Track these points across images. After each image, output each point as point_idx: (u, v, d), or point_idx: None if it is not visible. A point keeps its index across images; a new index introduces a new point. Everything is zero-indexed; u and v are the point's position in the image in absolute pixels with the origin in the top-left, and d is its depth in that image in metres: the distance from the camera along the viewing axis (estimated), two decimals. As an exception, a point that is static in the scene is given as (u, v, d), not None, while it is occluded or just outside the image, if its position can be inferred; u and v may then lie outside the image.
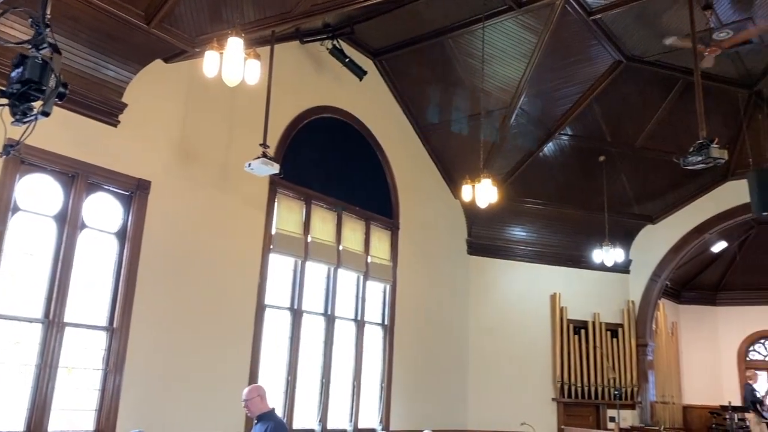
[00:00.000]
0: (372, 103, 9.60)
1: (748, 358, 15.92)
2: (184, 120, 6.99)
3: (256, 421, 4.96)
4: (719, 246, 14.53)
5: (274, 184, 7.80)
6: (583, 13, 8.19)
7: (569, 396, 11.54)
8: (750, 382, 12.95)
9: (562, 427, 11.24)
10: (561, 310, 11.94)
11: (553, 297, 12.01)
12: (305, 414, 7.97)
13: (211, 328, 6.91)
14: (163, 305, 6.49)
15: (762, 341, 15.96)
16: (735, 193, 11.59)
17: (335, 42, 8.50)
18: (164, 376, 6.41)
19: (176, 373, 6.52)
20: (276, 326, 7.75)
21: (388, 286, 9.51)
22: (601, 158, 11.05)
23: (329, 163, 8.72)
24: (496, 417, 10.86)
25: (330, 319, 8.40)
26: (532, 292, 11.96)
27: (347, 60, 8.60)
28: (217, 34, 5.82)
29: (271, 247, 7.68)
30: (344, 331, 8.71)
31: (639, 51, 9.20)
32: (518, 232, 12.04)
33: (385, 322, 9.39)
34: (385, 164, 9.73)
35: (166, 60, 6.78)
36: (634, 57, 9.30)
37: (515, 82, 9.17)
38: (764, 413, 12.21)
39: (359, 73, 8.80)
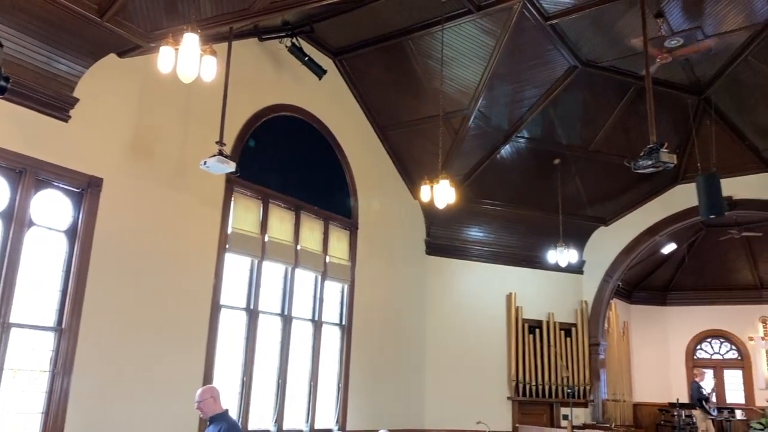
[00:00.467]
0: (331, 102, 9.57)
1: (695, 357, 16.46)
2: (138, 116, 6.85)
3: (209, 423, 4.91)
4: (669, 248, 14.98)
5: (231, 183, 7.70)
6: (540, 18, 8.32)
7: (524, 394, 11.72)
8: (697, 380, 13.38)
9: (517, 425, 11.41)
10: (516, 309, 12.12)
11: (509, 297, 12.19)
12: (261, 415, 7.89)
13: (165, 328, 6.79)
14: (114, 305, 6.34)
15: (708, 340, 16.52)
16: (684, 196, 11.97)
17: (294, 40, 8.45)
18: (115, 378, 6.26)
19: (127, 374, 6.38)
20: (231, 327, 7.66)
21: (346, 286, 9.49)
22: (556, 161, 11.26)
23: (287, 162, 8.66)
24: (453, 416, 10.96)
25: (287, 319, 8.35)
26: (488, 292, 12.12)
27: (306, 58, 8.55)
28: (172, 29, 5.71)
29: (227, 246, 7.58)
30: (301, 332, 8.66)
31: (593, 56, 9.40)
32: (475, 233, 12.17)
33: (343, 322, 9.38)
34: (345, 164, 9.71)
35: (120, 55, 6.63)
36: (589, 62, 9.50)
37: (474, 84, 9.26)
38: (710, 410, 12.62)
39: (319, 71, 8.76)
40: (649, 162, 6.18)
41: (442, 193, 7.66)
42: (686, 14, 8.25)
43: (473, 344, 11.70)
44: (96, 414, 6.05)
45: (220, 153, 6.08)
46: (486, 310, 12.01)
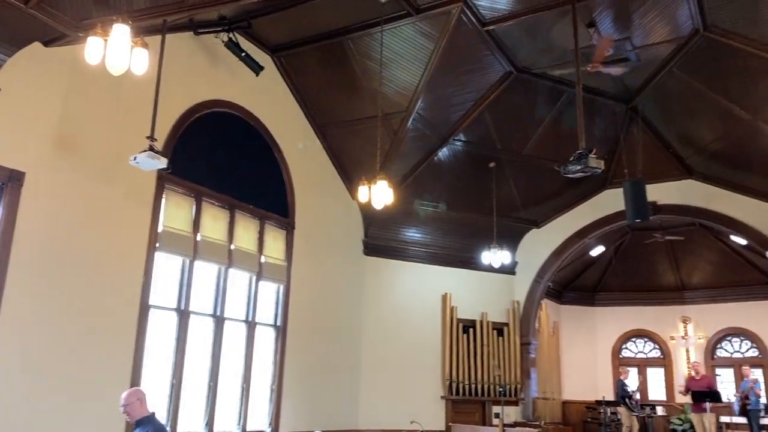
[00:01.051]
0: (269, 99, 9.44)
1: (621, 356, 17.10)
2: (65, 108, 6.56)
3: (135, 426, 4.75)
4: (597, 250, 15.53)
5: (162, 180, 7.47)
6: (477, 23, 8.46)
7: (457, 393, 11.90)
8: (622, 378, 13.89)
9: (450, 424, 11.57)
10: (451, 309, 12.29)
11: (444, 297, 12.35)
12: (191, 418, 7.70)
13: (90, 330, 6.53)
14: (36, 305, 6.05)
15: (633, 339, 17.20)
16: (612, 201, 12.44)
17: (231, 35, 8.29)
18: (37, 382, 5.97)
19: (51, 378, 6.10)
20: (161, 327, 7.44)
21: (281, 287, 9.39)
22: (492, 164, 11.49)
23: (222, 160, 8.49)
24: (387, 415, 11.01)
25: (219, 320, 8.18)
26: (424, 292, 12.24)
27: (243, 54, 8.41)
28: (102, 19, 5.49)
29: (158, 245, 7.36)
30: (234, 333, 8.51)
31: (528, 63, 9.64)
32: (413, 234, 12.27)
33: (278, 323, 9.27)
34: (282, 162, 9.60)
35: (46, 44, 6.33)
36: (524, 69, 9.74)
37: (413, 86, 9.33)
38: (634, 407, 13.13)
39: (256, 68, 8.63)
40: (578, 167, 6.39)
41: (380, 194, 7.68)
42: (617, 25, 8.57)
43: (409, 344, 11.79)
44: (16, 417, 5.76)
45: (151, 148, 5.89)
46: (422, 310, 12.13)
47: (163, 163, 5.98)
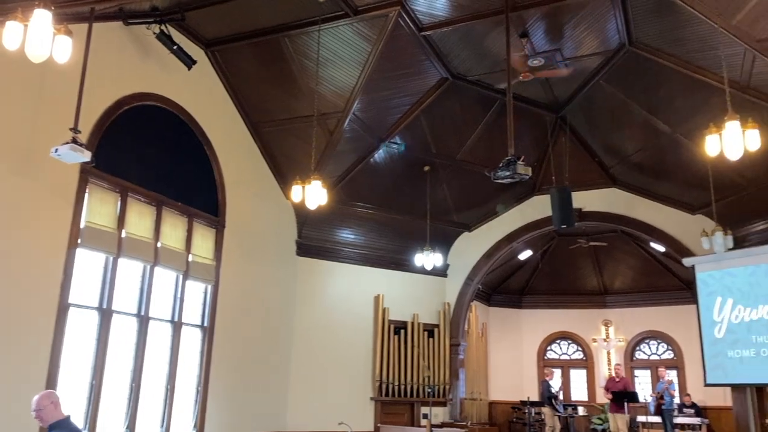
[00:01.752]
0: (201, 94, 9.22)
1: (546, 357, 17.61)
2: (-20, 95, 6.20)
3: (48, 431, 4.54)
4: (525, 254, 15.96)
5: (86, 173, 7.16)
6: (414, 28, 8.53)
7: (387, 395, 11.97)
8: (547, 378, 14.32)
9: (379, 425, 11.62)
10: (384, 311, 12.35)
11: (377, 298, 12.40)
12: (112, 421, 7.43)
13: (2, 328, 6.19)
14: (-59, 303, 5.70)
15: (558, 341, 17.75)
16: (540, 206, 12.81)
17: (164, 27, 8.04)
18: (-61, 384, 5.63)
19: (-45, 380, 5.75)
20: (82, 327, 7.14)
21: (210, 286, 9.18)
22: (426, 168, 11.62)
23: (150, 155, 8.21)
24: (316, 417, 10.95)
25: (144, 320, 7.92)
26: (357, 294, 12.25)
27: (175, 47, 8.17)
28: (22, 3, 5.24)
29: (79, 241, 7.05)
30: (159, 333, 8.26)
31: (463, 70, 9.80)
32: (347, 235, 12.26)
33: (205, 324, 9.06)
34: (213, 159, 9.39)
35: (-40, 25, 5.98)
36: (459, 75, 9.89)
37: (349, 87, 9.31)
38: (558, 408, 13.55)
39: (188, 62, 8.40)
40: (507, 173, 6.55)
41: (314, 194, 7.64)
42: (548, 36, 8.82)
43: (340, 346, 11.77)
44: None
45: (74, 141, 5.66)
46: (354, 311, 12.14)
47: (86, 156, 5.75)
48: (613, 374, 13.48)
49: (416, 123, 10.62)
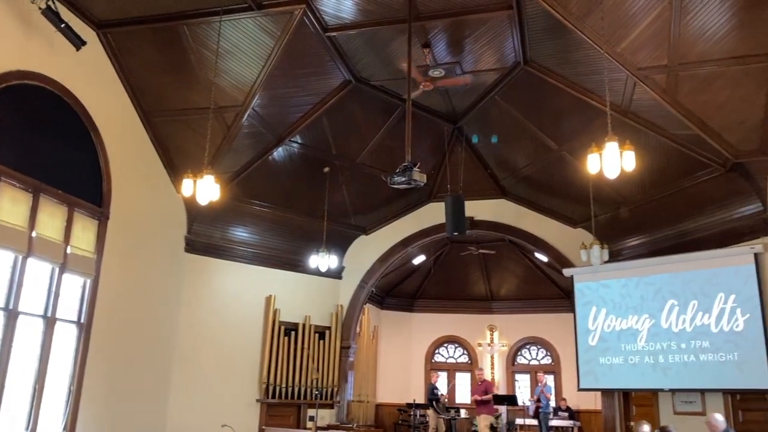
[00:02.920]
0: (90, 78, 8.69)
1: (433, 360, 18.05)
2: None
3: None
4: (419, 259, 16.31)
5: (-48, 153, 6.58)
6: (319, 28, 8.49)
7: (273, 396, 11.80)
8: (433, 381, 14.67)
9: (263, 427, 11.43)
10: (275, 312, 12.18)
11: (268, 299, 12.21)
12: (-33, 424, 6.84)
13: None
14: None
15: (445, 345, 18.25)
16: (434, 213, 13.13)
17: (51, 2, 7.52)
18: None
19: None
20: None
21: (89, 281, 8.67)
22: (326, 169, 11.58)
23: (29, 138, 7.64)
24: (198, 421, 10.61)
25: (12, 314, 7.34)
26: (248, 294, 12.00)
27: (63, 25, 7.64)
28: None
29: (-60, 226, 6.45)
30: (30, 329, 7.69)
31: (367, 74, 9.86)
32: (240, 233, 11.99)
33: (82, 320, 8.54)
34: (99, 146, 8.86)
35: None
36: (362, 79, 9.95)
37: (250, 82, 9.11)
38: (438, 410, 13.91)
39: (77, 42, 7.88)
40: (403, 179, 6.66)
41: (206, 189, 7.39)
42: (449, 49, 9.06)
43: (228, 346, 11.48)
44: None
45: (-62, 117, 5.16)
46: (244, 311, 11.88)
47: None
48: (477, 379, 13.96)
49: (318, 123, 10.56)
